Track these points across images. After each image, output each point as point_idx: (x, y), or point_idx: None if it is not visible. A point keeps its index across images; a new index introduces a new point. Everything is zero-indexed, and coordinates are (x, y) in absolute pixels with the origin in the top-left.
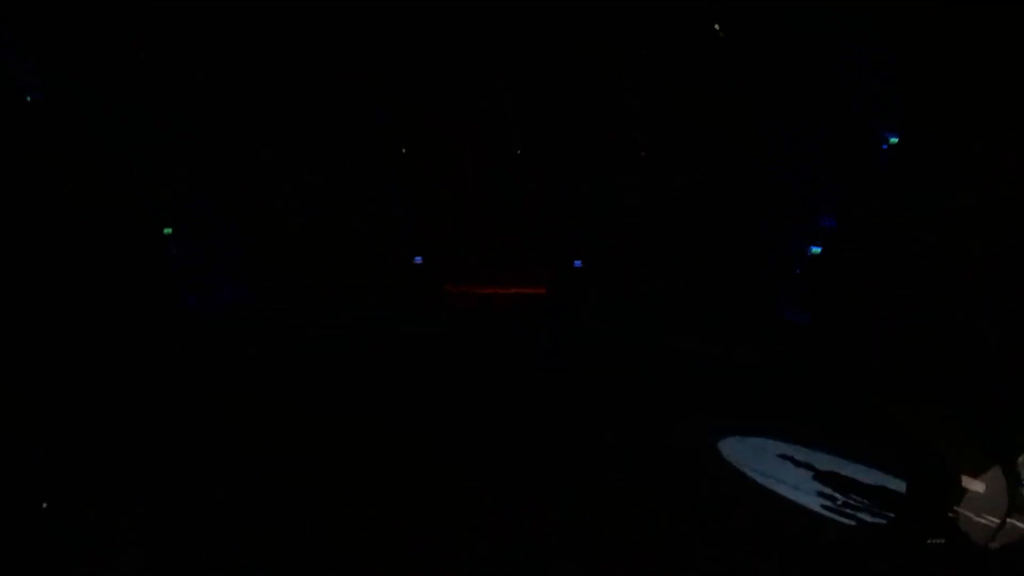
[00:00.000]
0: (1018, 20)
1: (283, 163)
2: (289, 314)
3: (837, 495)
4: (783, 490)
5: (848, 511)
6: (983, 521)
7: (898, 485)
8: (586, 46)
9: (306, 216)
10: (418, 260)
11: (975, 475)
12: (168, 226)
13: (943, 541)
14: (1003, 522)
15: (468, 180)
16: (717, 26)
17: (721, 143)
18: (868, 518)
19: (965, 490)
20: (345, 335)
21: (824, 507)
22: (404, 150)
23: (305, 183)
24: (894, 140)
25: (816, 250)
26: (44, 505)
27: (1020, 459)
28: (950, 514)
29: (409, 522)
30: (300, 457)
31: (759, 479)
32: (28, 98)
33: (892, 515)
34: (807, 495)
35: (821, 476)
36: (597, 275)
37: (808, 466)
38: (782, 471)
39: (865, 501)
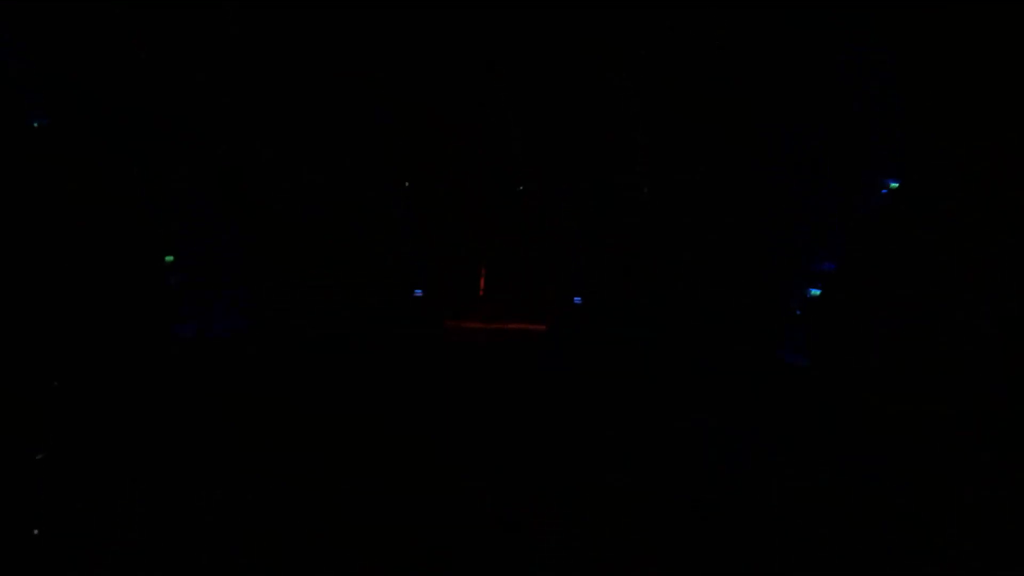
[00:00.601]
0: (1018, 20)
1: (283, 163)
2: (289, 314)
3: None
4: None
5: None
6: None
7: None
8: (586, 46)
9: (306, 216)
10: (418, 293)
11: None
12: (169, 251)
13: None
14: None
15: (469, 183)
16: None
17: (722, 146)
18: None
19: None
20: (345, 335)
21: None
22: (408, 183)
23: (305, 183)
24: (894, 185)
25: (815, 292)
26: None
27: None
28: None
29: (409, 522)
30: (300, 457)
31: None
32: (35, 124)
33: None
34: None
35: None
36: (597, 307)
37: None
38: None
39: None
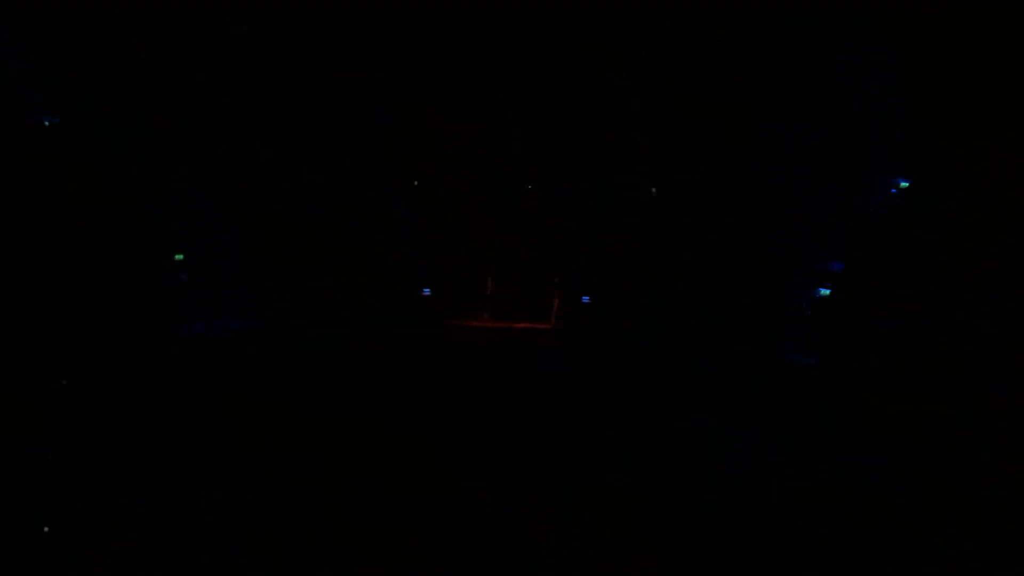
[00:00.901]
0: (1018, 20)
1: (283, 163)
2: (290, 314)
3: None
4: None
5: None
6: None
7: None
8: (586, 46)
9: (306, 216)
10: (426, 292)
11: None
12: (178, 251)
13: None
14: None
15: (468, 183)
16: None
17: (722, 146)
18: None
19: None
20: (345, 335)
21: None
22: (416, 183)
23: (305, 183)
24: (904, 184)
25: (824, 292)
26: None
27: None
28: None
29: (409, 522)
30: (300, 457)
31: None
32: (46, 123)
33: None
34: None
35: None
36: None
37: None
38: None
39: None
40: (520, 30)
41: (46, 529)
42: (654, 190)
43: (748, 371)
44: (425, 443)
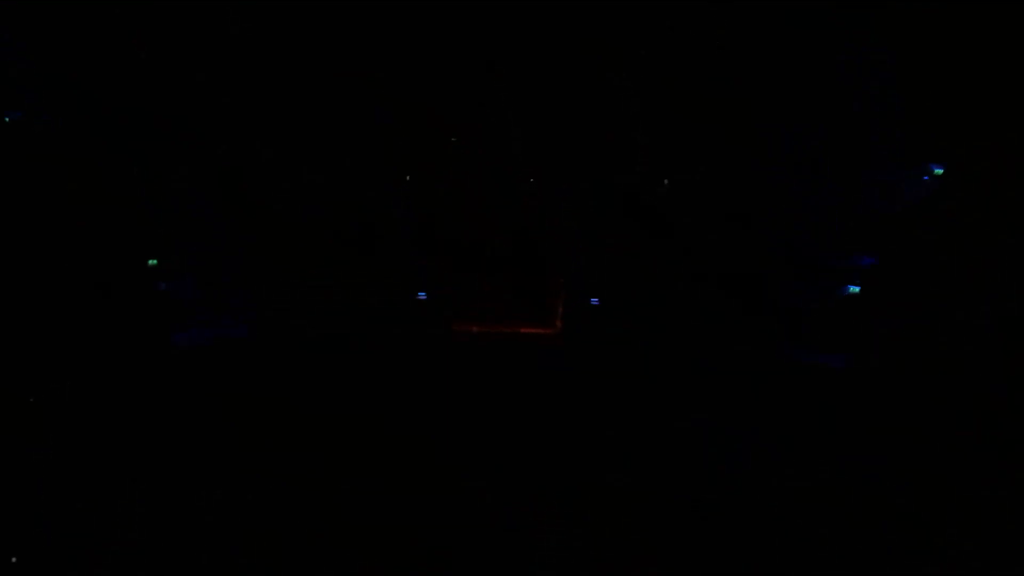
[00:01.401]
0: (1018, 20)
1: (283, 163)
2: (289, 315)
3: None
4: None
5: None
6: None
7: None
8: (586, 46)
9: (306, 216)
10: (422, 296)
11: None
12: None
13: None
14: None
15: (469, 182)
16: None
17: (722, 146)
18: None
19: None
20: (345, 336)
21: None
22: (408, 178)
23: (305, 183)
24: (938, 171)
25: (854, 289)
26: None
27: None
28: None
29: (409, 522)
30: (300, 457)
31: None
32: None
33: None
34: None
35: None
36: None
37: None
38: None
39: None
40: (520, 30)
41: (47, 540)
42: (666, 181)
43: (748, 371)
44: (425, 443)
